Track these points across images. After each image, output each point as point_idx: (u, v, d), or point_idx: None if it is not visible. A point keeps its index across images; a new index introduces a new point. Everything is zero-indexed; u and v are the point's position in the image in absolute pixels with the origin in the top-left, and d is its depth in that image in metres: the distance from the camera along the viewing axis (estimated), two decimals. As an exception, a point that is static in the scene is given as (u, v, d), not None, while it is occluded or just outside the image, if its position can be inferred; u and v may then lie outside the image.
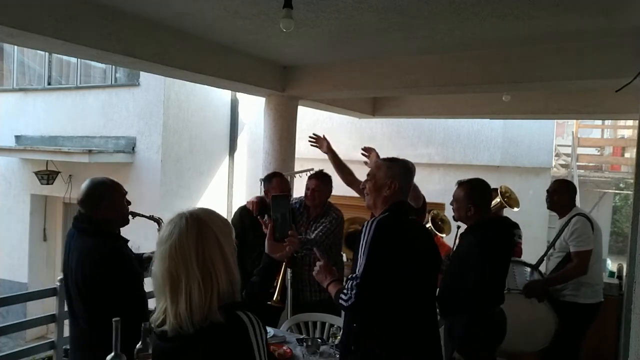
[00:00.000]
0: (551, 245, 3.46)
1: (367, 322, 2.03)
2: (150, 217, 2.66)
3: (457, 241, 3.00)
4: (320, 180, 3.36)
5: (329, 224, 3.27)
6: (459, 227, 3.02)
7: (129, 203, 2.32)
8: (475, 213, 2.65)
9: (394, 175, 2.15)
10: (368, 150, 3.26)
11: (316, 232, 3.23)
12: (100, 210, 2.17)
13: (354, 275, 1.99)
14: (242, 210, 3.55)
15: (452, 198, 2.79)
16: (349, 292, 1.95)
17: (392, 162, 2.23)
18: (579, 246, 3.19)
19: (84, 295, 2.12)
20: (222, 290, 1.28)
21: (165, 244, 1.28)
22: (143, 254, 2.53)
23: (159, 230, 2.44)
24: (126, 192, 2.32)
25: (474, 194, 2.68)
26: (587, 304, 3.25)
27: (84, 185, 2.22)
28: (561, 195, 3.43)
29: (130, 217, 2.37)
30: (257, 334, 1.26)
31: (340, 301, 1.99)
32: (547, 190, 3.56)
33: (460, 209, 2.73)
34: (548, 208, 3.59)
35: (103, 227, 2.18)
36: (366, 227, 2.03)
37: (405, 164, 2.23)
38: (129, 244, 2.31)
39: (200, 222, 1.31)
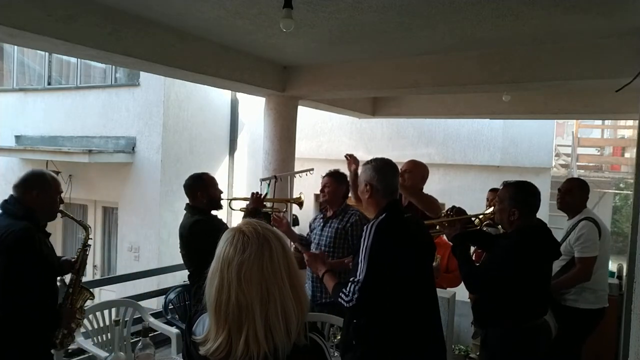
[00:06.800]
0: None
1: (368, 319, 2.08)
2: (79, 222, 2.64)
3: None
4: (332, 178, 3.31)
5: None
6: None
7: (61, 201, 2.41)
8: (518, 218, 2.48)
9: (367, 178, 2.17)
10: (352, 158, 3.31)
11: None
12: (30, 197, 2.28)
13: (355, 279, 2.02)
14: None
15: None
16: (351, 294, 1.99)
17: (365, 164, 2.22)
18: (584, 252, 3.08)
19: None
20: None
21: (252, 265, 1.14)
22: (62, 256, 2.56)
23: (85, 237, 2.51)
24: (62, 192, 2.43)
25: (520, 197, 2.50)
26: (588, 309, 3.15)
27: (25, 173, 2.37)
28: (573, 196, 3.27)
29: (59, 215, 2.45)
30: (330, 355, 1.24)
31: (341, 300, 2.04)
32: (559, 189, 3.39)
33: (502, 212, 2.55)
34: (558, 208, 3.42)
35: (27, 213, 2.24)
36: (366, 230, 2.06)
37: (376, 165, 2.18)
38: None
39: (279, 237, 1.21)
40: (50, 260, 2.29)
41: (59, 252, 8.48)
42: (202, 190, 3.10)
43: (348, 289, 2.01)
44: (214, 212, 3.22)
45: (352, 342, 2.11)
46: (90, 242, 2.55)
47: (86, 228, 2.58)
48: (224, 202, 3.31)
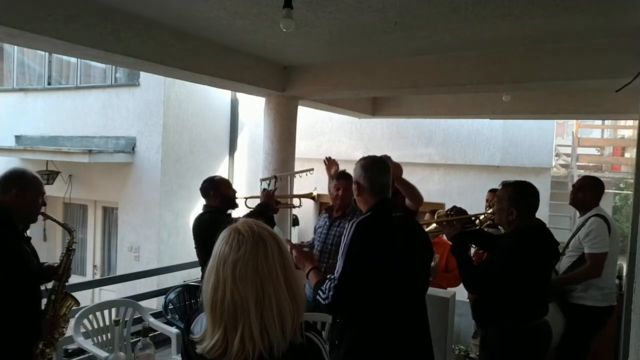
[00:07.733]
0: (566, 244, 3.35)
1: (349, 318, 2.07)
2: (63, 225, 2.54)
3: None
4: (346, 180, 3.32)
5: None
6: None
7: (44, 204, 2.27)
8: (517, 218, 2.49)
9: (355, 177, 2.19)
10: (330, 162, 3.49)
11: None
12: (9, 197, 2.12)
13: (332, 276, 2.01)
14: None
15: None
16: (327, 292, 1.98)
17: (356, 163, 2.23)
18: (594, 248, 3.08)
19: None
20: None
21: (246, 263, 1.14)
22: (45, 263, 2.43)
23: (69, 241, 2.42)
24: (44, 193, 2.28)
25: (519, 197, 2.51)
26: (594, 307, 3.15)
27: (4, 171, 2.21)
28: (585, 193, 3.29)
29: (41, 217, 2.33)
30: (328, 355, 1.24)
31: (318, 297, 2.03)
32: (573, 186, 3.44)
33: (501, 212, 2.55)
34: (570, 204, 3.45)
35: (4, 215, 2.10)
36: (347, 228, 2.06)
37: (364, 163, 2.19)
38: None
39: (275, 236, 1.22)
40: (28, 267, 2.14)
41: (59, 253, 8.44)
42: (215, 190, 3.30)
43: (325, 286, 2.00)
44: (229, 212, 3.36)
45: (335, 342, 2.11)
46: (74, 246, 2.43)
47: (70, 231, 2.44)
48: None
